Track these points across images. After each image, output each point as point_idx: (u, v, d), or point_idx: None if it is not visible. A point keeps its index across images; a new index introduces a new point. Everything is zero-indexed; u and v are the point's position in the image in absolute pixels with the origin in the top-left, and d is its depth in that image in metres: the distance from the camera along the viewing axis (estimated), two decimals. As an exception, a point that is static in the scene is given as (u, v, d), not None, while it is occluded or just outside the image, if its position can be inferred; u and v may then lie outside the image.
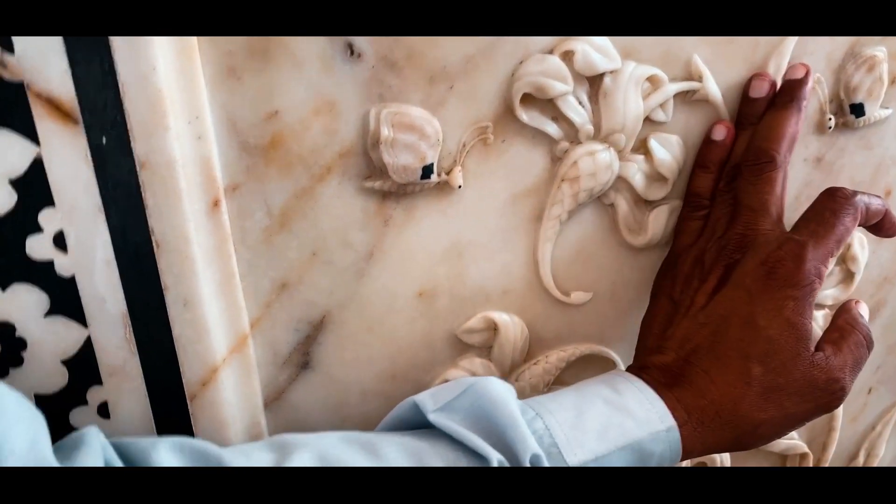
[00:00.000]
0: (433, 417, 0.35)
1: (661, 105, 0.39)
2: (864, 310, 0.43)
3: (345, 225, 0.37)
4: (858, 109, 0.44)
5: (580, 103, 0.38)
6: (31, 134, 0.31)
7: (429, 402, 0.36)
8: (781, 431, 0.39)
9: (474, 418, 0.35)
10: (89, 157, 0.31)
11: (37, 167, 0.31)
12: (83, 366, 0.35)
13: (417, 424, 0.37)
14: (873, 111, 0.44)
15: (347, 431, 0.36)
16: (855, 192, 0.39)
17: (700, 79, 0.40)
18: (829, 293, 0.49)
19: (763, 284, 0.38)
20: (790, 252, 0.38)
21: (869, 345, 0.41)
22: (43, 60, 0.30)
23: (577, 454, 0.35)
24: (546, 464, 0.34)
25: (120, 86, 0.31)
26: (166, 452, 0.31)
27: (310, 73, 0.34)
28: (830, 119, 0.44)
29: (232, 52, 0.33)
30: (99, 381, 0.35)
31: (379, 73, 0.35)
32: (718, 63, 0.40)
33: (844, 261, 0.48)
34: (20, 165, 0.31)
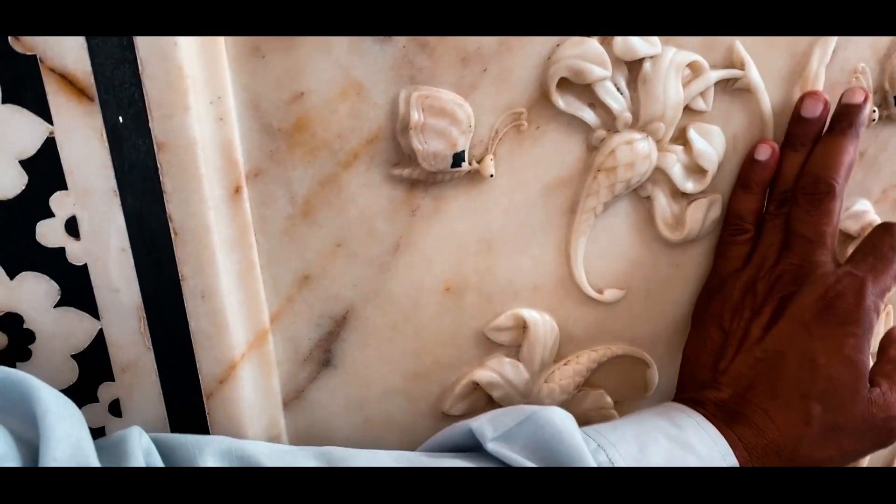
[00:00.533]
0: (492, 447, 0.34)
1: (702, 93, 0.38)
2: None
3: (371, 215, 0.35)
4: (904, 101, 0.42)
5: (618, 89, 0.36)
6: (43, 111, 0.29)
7: (487, 429, 0.34)
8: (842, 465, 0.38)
9: (535, 448, 0.34)
10: (104, 138, 0.30)
11: (49, 147, 0.29)
12: (94, 360, 0.33)
13: (468, 450, 0.36)
14: (919, 104, 0.43)
15: (398, 451, 0.34)
16: None
17: (742, 66, 0.38)
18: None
19: (822, 320, 0.37)
20: (850, 287, 0.38)
21: None
22: (57, 33, 0.28)
23: None
24: None
25: (139, 62, 0.29)
26: (212, 458, 0.29)
27: (338, 53, 0.32)
28: (874, 112, 0.42)
29: (256, 29, 0.31)
30: (111, 377, 0.33)
31: (409, 54, 0.33)
32: (761, 50, 0.38)
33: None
34: (31, 145, 0.29)
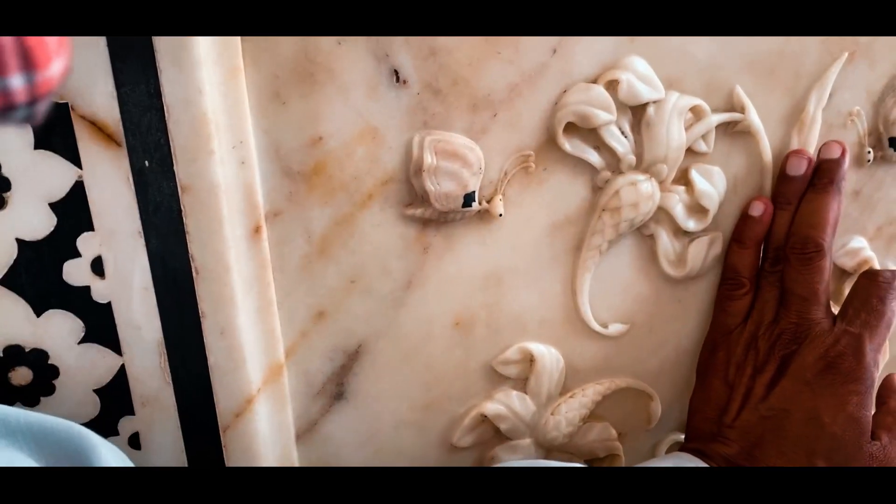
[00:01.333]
0: None
1: (704, 136, 0.39)
2: None
3: (384, 252, 0.36)
4: (898, 143, 0.43)
5: (623, 133, 0.37)
6: (73, 156, 0.30)
7: None
8: None
9: None
10: (131, 181, 0.31)
11: (77, 190, 0.30)
12: (116, 395, 0.34)
13: None
14: (913, 145, 0.44)
15: None
16: (894, 273, 0.40)
17: (742, 110, 0.39)
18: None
19: (824, 379, 0.39)
20: (849, 347, 0.39)
21: None
22: (89, 81, 0.29)
23: None
24: None
25: (165, 109, 0.30)
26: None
27: (355, 98, 0.33)
28: (869, 152, 0.43)
29: (278, 77, 0.32)
30: (131, 411, 0.34)
31: (423, 100, 0.34)
32: (760, 94, 0.40)
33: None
34: (61, 188, 0.30)
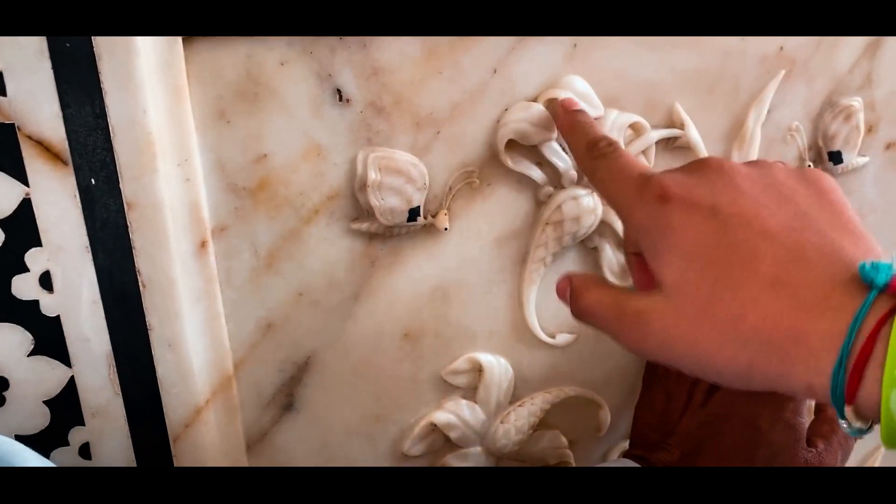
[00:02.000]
0: None
1: (644, 151, 0.40)
2: None
3: (332, 266, 0.37)
4: (836, 157, 0.45)
5: (564, 149, 0.39)
6: (20, 174, 0.31)
7: None
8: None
9: None
10: (78, 198, 0.32)
11: (25, 207, 0.31)
12: (66, 406, 0.35)
13: None
14: (851, 159, 0.45)
15: None
16: None
17: (682, 126, 0.41)
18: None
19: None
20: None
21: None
22: (35, 103, 0.30)
23: None
24: None
25: (110, 128, 0.31)
26: None
27: (299, 117, 0.34)
28: (810, 166, 0.45)
29: (222, 96, 0.33)
30: (81, 422, 0.35)
31: (367, 118, 0.35)
32: (699, 111, 0.41)
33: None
34: (8, 205, 0.31)
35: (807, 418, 0.40)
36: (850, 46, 0.43)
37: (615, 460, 0.41)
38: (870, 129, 0.46)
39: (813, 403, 0.44)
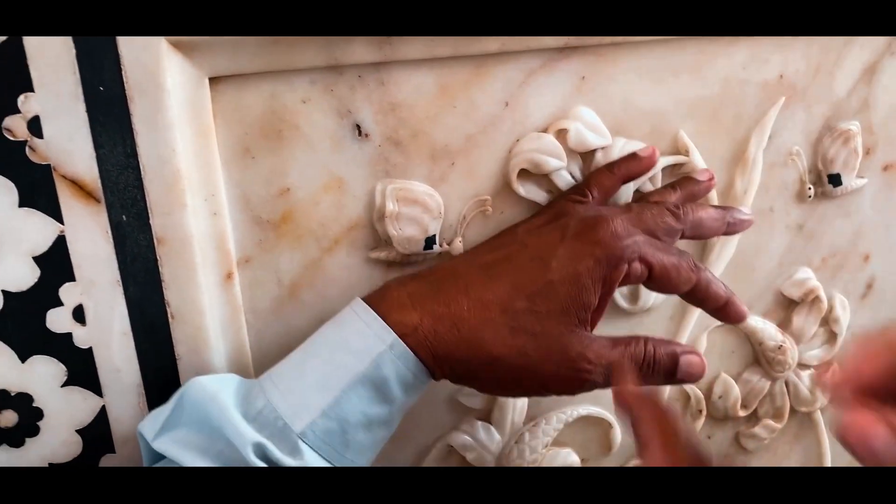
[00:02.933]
0: (157, 445, 0.32)
1: (650, 178, 0.42)
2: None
3: (351, 293, 0.38)
4: (836, 179, 0.46)
5: (573, 177, 0.40)
6: (55, 213, 0.32)
7: (147, 427, 0.33)
8: (517, 385, 0.36)
9: (197, 427, 0.32)
10: (110, 234, 0.33)
11: (59, 244, 0.33)
12: (97, 434, 0.36)
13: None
14: (850, 181, 0.47)
15: None
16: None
17: (686, 153, 0.42)
18: (814, 353, 0.50)
19: (576, 236, 0.36)
20: (616, 216, 0.36)
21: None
22: (70, 144, 0.31)
23: (303, 418, 0.32)
24: (272, 448, 0.31)
25: (141, 167, 0.32)
26: None
27: (321, 152, 0.36)
28: (810, 189, 0.46)
29: (247, 134, 0.34)
30: (112, 450, 0.36)
31: (385, 152, 0.37)
32: (703, 137, 0.42)
33: (827, 322, 0.50)
34: (44, 243, 0.32)
35: (596, 296, 0.35)
36: (847, 72, 0.45)
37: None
38: (868, 152, 0.47)
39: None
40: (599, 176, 0.40)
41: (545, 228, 0.37)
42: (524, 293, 0.35)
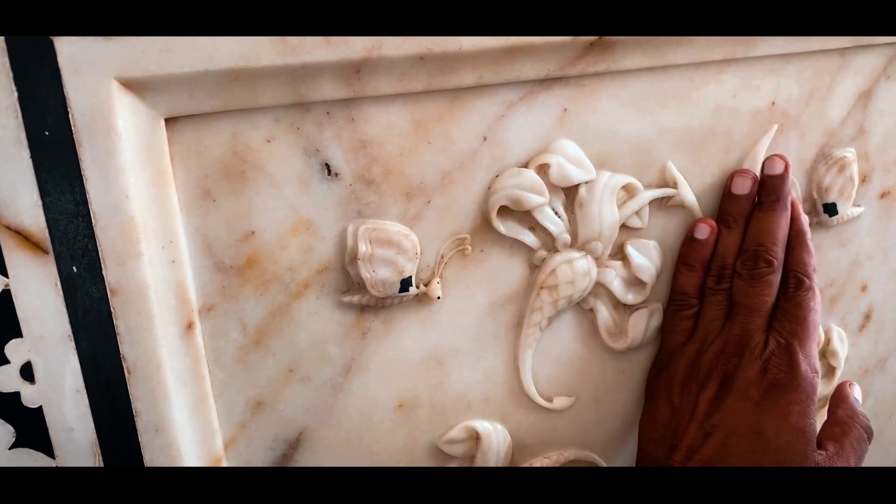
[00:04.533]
0: None
1: (637, 212, 0.40)
2: (858, 393, 0.44)
3: (322, 340, 0.36)
4: (831, 209, 0.44)
5: (556, 213, 0.38)
6: (-1, 265, 0.30)
7: None
8: None
9: None
10: (59, 286, 0.31)
11: (4, 298, 0.30)
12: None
13: None
14: (846, 210, 0.45)
15: None
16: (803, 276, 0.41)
17: (675, 185, 0.40)
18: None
19: (766, 392, 0.39)
20: (783, 358, 0.39)
21: (869, 437, 0.41)
22: (13, 193, 0.29)
23: None
24: None
25: (92, 215, 0.30)
26: None
27: (287, 193, 0.34)
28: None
29: (207, 176, 0.32)
30: (65, 513, 0.34)
31: (356, 191, 0.35)
32: (693, 169, 0.41)
33: (825, 356, 0.48)
34: (-13, 297, 0.30)
35: (816, 420, 0.39)
36: (841, 98, 0.43)
37: None
38: (864, 179, 0.46)
39: (826, 405, 0.44)
40: (683, 279, 0.42)
41: (730, 403, 0.39)
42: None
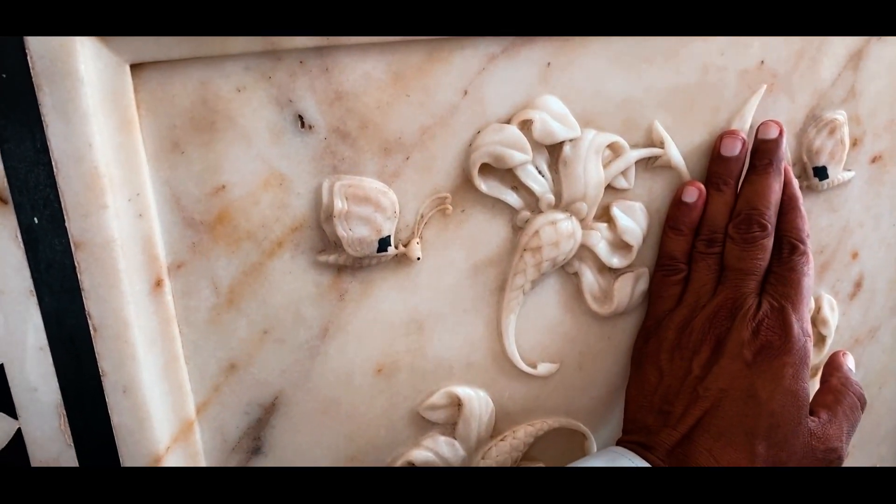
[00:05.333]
0: None
1: (623, 172, 0.39)
2: (851, 362, 0.43)
3: (297, 301, 0.35)
4: (822, 172, 0.43)
5: (540, 172, 0.37)
6: (-44, 215, 0.29)
7: None
8: None
9: None
10: (19, 238, 0.30)
11: (-38, 250, 0.29)
12: (13, 460, 0.32)
13: None
14: (836, 174, 0.44)
15: None
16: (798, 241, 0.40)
17: (661, 145, 0.39)
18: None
19: (759, 355, 0.38)
20: (776, 320, 0.38)
21: (862, 405, 0.41)
22: (-30, 139, 0.28)
23: None
24: None
25: (53, 164, 0.29)
26: None
27: (259, 145, 0.32)
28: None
29: (176, 126, 0.31)
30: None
31: (331, 145, 0.33)
32: (680, 128, 0.40)
33: (815, 324, 0.47)
34: (-56, 249, 0.29)
35: (809, 385, 0.38)
36: (832, 58, 0.42)
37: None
38: (855, 143, 0.45)
39: (819, 371, 0.43)
40: (671, 243, 0.41)
41: (723, 365, 0.38)
42: (759, 436, 0.37)
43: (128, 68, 0.30)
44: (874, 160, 0.46)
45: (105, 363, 0.32)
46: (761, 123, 0.41)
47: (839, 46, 0.42)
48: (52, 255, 0.30)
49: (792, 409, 0.37)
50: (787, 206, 0.40)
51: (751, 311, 0.39)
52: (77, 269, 0.30)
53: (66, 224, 0.30)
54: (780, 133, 0.40)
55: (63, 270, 0.30)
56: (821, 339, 0.48)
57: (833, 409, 0.40)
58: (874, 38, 0.43)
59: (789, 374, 0.37)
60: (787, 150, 0.42)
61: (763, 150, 0.40)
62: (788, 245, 0.40)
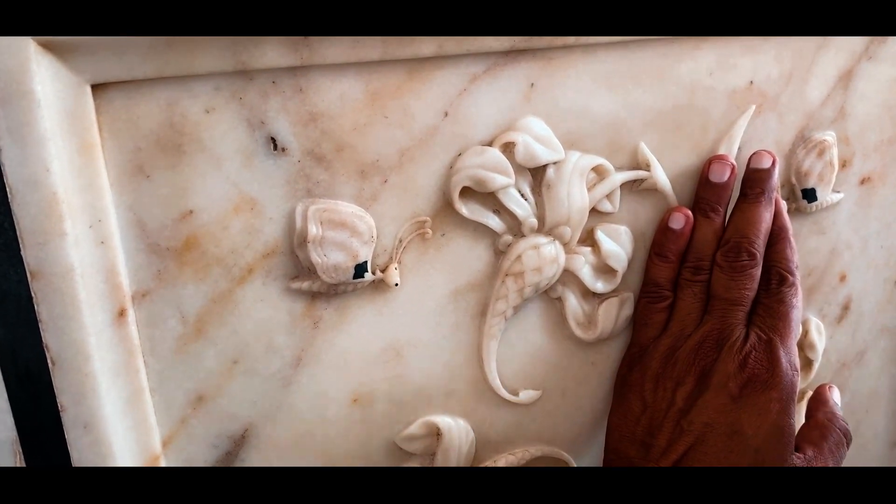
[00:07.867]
0: None
1: (608, 195, 0.38)
2: (837, 396, 0.43)
3: (269, 329, 0.34)
4: (811, 194, 0.43)
5: (523, 195, 0.36)
6: None
7: None
8: None
9: None
10: (-28, 269, 0.28)
11: None
12: (-36, 500, 0.30)
13: None
14: (825, 195, 0.43)
15: None
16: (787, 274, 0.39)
17: (647, 167, 0.38)
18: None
19: (746, 388, 0.37)
20: (763, 353, 0.37)
21: (848, 441, 0.40)
22: (-83, 163, 0.26)
23: None
24: None
25: (8, 189, 0.27)
26: None
27: (229, 169, 0.31)
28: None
29: (140, 149, 0.30)
30: (-17, 517, 0.31)
31: (305, 168, 0.32)
32: (666, 150, 0.39)
33: (802, 348, 0.46)
34: None
35: (795, 420, 0.37)
36: (822, 78, 0.41)
37: None
38: (844, 164, 0.44)
39: (804, 406, 0.42)
40: (656, 270, 0.40)
41: (708, 399, 0.37)
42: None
43: (89, 89, 0.28)
44: (863, 181, 0.45)
45: (64, 398, 0.30)
46: (754, 153, 0.40)
47: (829, 66, 0.41)
48: (7, 285, 0.29)
49: (778, 445, 0.36)
50: (777, 236, 0.40)
51: (738, 342, 0.38)
52: (34, 300, 0.29)
53: (22, 253, 0.28)
54: (773, 163, 0.39)
55: (18, 302, 0.29)
56: (808, 364, 0.47)
57: (819, 446, 0.39)
58: (864, 59, 0.42)
59: (776, 409, 0.36)
60: (777, 178, 0.41)
61: (755, 180, 0.39)
62: (777, 276, 0.39)
